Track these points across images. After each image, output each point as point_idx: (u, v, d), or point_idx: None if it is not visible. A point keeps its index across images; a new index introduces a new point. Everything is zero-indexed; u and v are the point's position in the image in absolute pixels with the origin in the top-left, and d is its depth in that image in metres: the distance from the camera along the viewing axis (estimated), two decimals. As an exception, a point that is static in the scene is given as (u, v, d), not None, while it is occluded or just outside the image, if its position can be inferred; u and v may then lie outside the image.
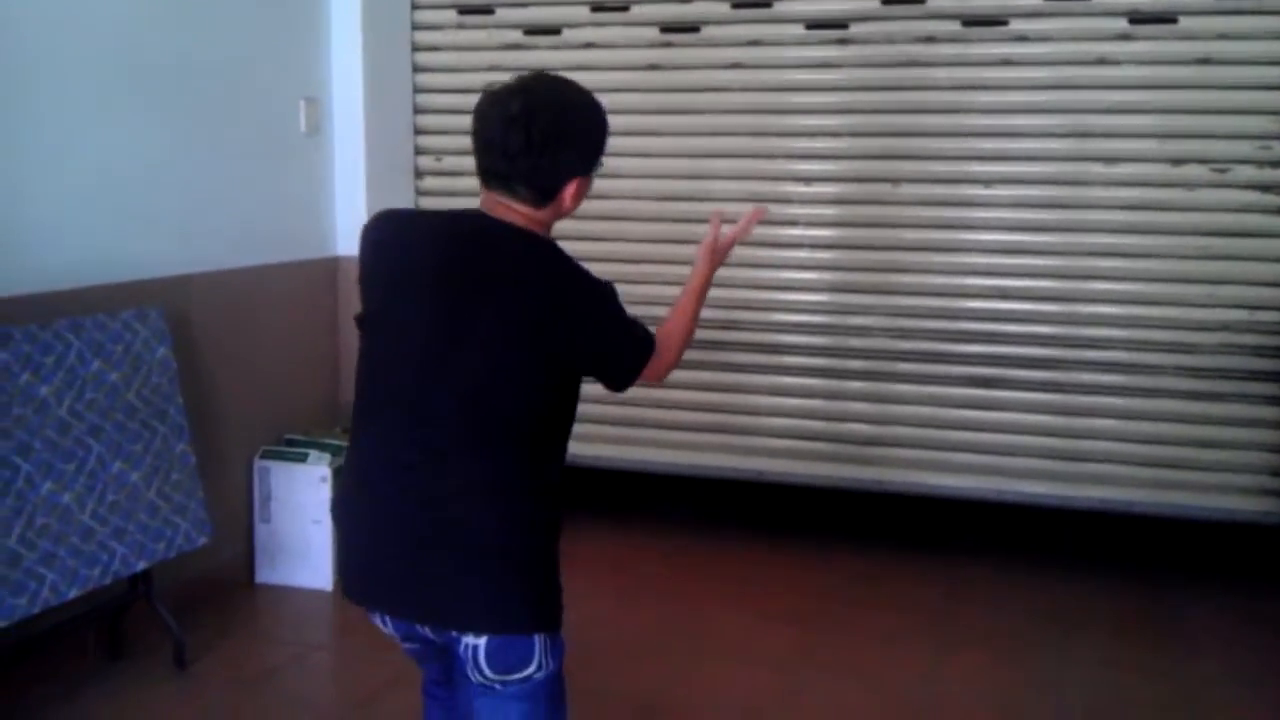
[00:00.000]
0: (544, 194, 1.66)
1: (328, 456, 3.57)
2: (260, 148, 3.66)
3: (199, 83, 3.36)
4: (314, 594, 3.57)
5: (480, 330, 1.59)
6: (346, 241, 3.98)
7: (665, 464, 4.10)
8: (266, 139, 3.69)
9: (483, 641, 1.61)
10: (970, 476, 3.79)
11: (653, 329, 1.84)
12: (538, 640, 1.65)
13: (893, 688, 2.96)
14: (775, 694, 2.93)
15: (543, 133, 1.61)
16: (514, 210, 1.66)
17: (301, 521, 3.58)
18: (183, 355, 3.19)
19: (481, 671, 1.63)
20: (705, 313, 4.22)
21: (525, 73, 1.72)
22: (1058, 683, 3.03)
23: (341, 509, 1.77)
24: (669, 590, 3.70)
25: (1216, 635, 3.39)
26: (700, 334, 3.98)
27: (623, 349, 1.76)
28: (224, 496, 3.47)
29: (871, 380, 3.85)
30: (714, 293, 4.01)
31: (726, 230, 2.02)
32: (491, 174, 1.66)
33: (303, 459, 3.58)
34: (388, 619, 1.69)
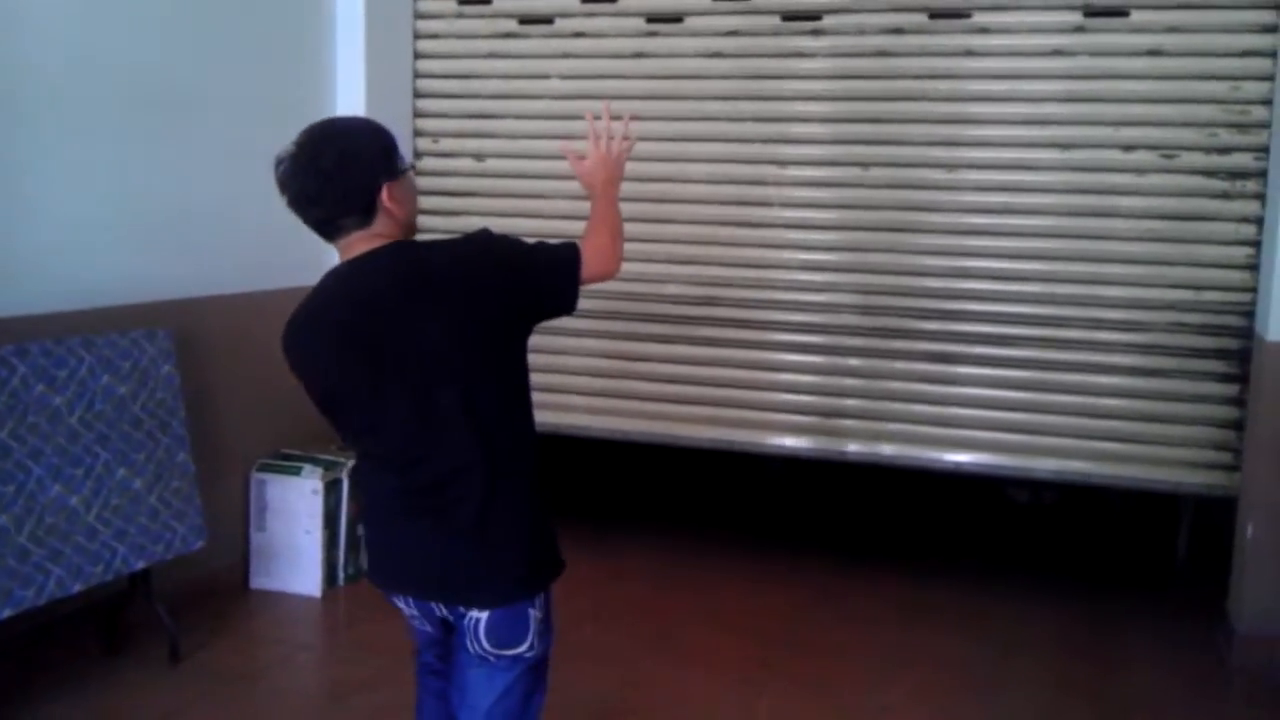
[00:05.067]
0: (366, 212, 1.87)
1: (320, 470, 3.87)
2: (266, 176, 3.97)
3: (208, 112, 3.66)
4: (304, 599, 3.87)
5: (438, 351, 1.83)
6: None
7: (639, 433, 4.36)
8: (272, 166, 4.02)
9: (484, 616, 1.92)
10: (932, 448, 4.08)
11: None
12: (532, 621, 1.95)
13: (842, 700, 3.22)
14: (732, 701, 3.20)
15: (330, 166, 1.85)
16: (365, 240, 1.89)
17: (294, 531, 3.89)
18: (189, 373, 3.49)
19: (480, 644, 1.94)
20: (683, 289, 4.51)
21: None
22: (998, 699, 3.28)
23: (368, 518, 2.09)
24: (637, 600, 3.97)
25: (1150, 653, 3.63)
26: (675, 309, 4.33)
27: (548, 265, 1.95)
28: (223, 506, 3.77)
29: (838, 355, 4.15)
30: (692, 270, 4.33)
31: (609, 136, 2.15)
32: (320, 223, 1.90)
33: (297, 472, 3.88)
34: (411, 600, 2.01)
